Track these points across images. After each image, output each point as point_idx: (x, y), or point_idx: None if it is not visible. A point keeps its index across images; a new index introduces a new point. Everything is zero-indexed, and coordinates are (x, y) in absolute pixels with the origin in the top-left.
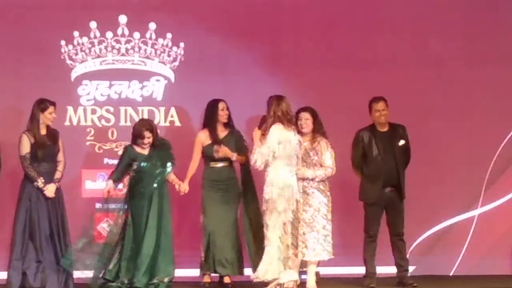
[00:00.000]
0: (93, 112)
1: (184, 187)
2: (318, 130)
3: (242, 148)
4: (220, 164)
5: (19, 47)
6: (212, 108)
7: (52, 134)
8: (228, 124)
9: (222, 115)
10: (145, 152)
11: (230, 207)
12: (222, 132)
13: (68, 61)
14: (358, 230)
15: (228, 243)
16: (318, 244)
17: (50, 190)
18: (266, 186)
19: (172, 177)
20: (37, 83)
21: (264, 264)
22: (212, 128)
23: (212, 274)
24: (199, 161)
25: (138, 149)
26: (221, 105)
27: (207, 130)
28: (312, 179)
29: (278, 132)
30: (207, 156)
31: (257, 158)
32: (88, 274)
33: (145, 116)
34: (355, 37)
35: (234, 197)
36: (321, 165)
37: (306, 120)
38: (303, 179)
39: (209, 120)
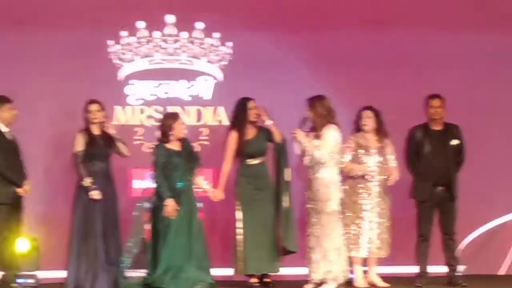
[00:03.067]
0: (141, 111)
1: (218, 195)
2: (381, 129)
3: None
4: (256, 161)
5: (68, 48)
6: (241, 107)
7: (107, 135)
8: (256, 123)
9: (252, 114)
10: (176, 147)
11: (267, 203)
12: (253, 130)
13: (116, 61)
14: (411, 229)
15: (266, 240)
16: (371, 242)
17: (95, 194)
18: (323, 187)
19: (202, 183)
20: (85, 83)
21: (331, 265)
22: (241, 127)
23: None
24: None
25: (168, 146)
26: (250, 104)
27: (237, 129)
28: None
29: (336, 134)
30: (243, 153)
31: (321, 157)
32: (139, 273)
33: (193, 116)
34: (403, 35)
35: (270, 193)
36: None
37: (368, 119)
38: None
39: (238, 119)
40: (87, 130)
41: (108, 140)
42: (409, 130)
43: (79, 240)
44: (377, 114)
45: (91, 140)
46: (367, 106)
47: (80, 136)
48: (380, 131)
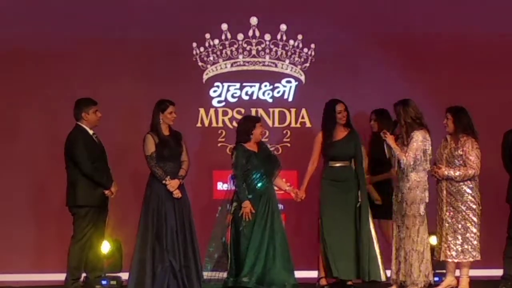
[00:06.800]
0: (225, 113)
1: (301, 194)
2: (462, 129)
3: (359, 149)
4: (339, 164)
5: (152, 49)
6: (329, 109)
7: (175, 135)
8: (348, 125)
9: (340, 117)
10: (255, 149)
11: (349, 207)
12: (341, 133)
13: (200, 63)
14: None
15: (348, 245)
16: (459, 245)
17: (172, 185)
18: (410, 190)
19: (283, 184)
20: (169, 85)
21: (411, 268)
22: (329, 130)
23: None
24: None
25: (248, 147)
26: (338, 107)
27: (324, 131)
28: (453, 180)
29: (423, 138)
30: (327, 155)
31: (407, 163)
32: (220, 275)
33: (276, 118)
34: (489, 37)
35: (353, 197)
36: (464, 165)
37: (447, 120)
38: (446, 179)
39: (327, 122)
40: (156, 131)
41: (177, 140)
42: (504, 134)
43: (152, 241)
44: (455, 115)
45: (163, 141)
46: (447, 107)
47: (150, 138)
48: (457, 132)
